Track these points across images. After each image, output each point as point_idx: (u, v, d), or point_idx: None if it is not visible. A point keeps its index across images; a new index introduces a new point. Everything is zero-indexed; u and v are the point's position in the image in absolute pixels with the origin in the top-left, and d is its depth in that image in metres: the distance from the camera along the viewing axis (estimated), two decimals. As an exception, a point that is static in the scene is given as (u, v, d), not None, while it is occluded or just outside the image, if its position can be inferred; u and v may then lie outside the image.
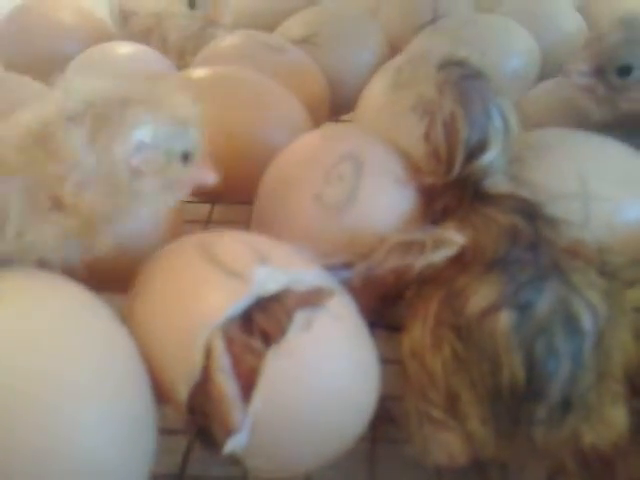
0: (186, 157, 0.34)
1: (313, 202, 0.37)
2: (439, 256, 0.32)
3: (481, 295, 0.29)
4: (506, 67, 0.58)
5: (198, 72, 0.53)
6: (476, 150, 0.35)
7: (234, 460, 0.29)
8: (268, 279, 0.29)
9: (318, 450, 0.30)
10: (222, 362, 0.28)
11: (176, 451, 0.34)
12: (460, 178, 0.36)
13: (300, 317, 0.28)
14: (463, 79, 0.36)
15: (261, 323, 0.29)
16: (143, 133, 0.32)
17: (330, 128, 0.48)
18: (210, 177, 0.35)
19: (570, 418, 0.28)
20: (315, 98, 0.57)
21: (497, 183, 0.36)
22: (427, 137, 0.37)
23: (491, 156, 0.35)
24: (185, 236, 0.34)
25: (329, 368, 0.29)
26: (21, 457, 0.25)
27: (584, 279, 0.30)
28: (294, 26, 0.66)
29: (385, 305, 0.41)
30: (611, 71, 0.44)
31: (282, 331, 0.28)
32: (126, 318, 0.32)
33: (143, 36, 0.69)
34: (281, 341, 0.28)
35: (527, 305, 0.28)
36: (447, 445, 0.30)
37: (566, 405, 0.28)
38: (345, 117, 0.65)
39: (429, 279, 0.33)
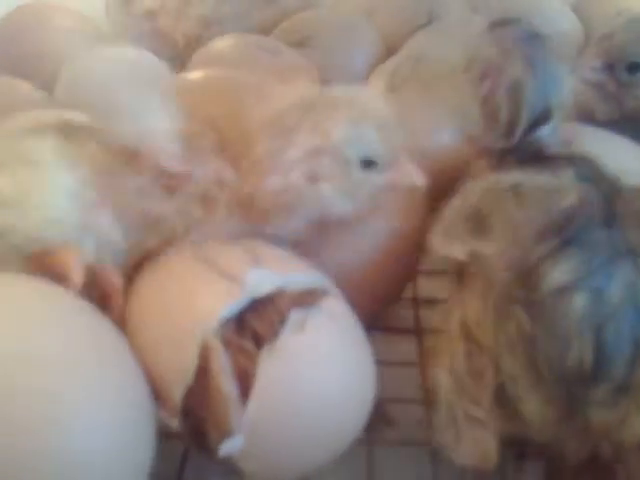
0: (368, 161, 0.34)
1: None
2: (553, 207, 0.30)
3: (557, 273, 0.28)
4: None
5: (194, 74, 0.53)
6: (540, 118, 0.35)
7: (229, 467, 0.29)
8: (262, 281, 0.29)
9: (313, 452, 0.30)
10: (222, 363, 0.28)
11: (173, 456, 0.34)
12: (520, 145, 0.35)
13: (294, 318, 0.28)
14: (526, 41, 0.35)
15: (253, 325, 0.29)
16: (316, 139, 0.33)
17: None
18: (416, 178, 0.36)
19: (625, 401, 0.28)
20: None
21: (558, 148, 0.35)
22: (486, 100, 0.36)
23: (554, 125, 0.35)
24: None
25: (323, 369, 0.29)
26: (20, 462, 0.25)
27: None
28: (290, 29, 0.66)
29: (382, 308, 0.41)
30: (621, 68, 0.45)
31: (274, 332, 0.28)
32: (126, 322, 0.32)
33: (146, 20, 0.69)
34: (274, 342, 0.28)
35: (600, 288, 0.28)
36: (482, 444, 0.30)
37: (624, 389, 0.28)
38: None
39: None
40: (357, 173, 0.34)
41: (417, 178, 0.35)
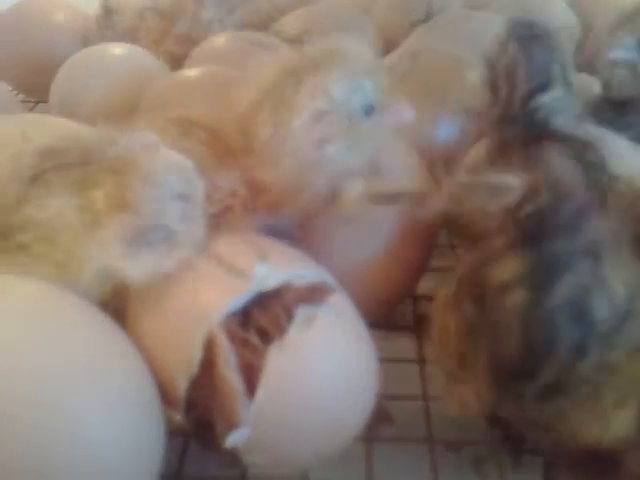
0: (369, 109, 0.34)
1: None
2: (496, 204, 0.31)
3: (506, 268, 0.29)
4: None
5: (190, 72, 0.53)
6: (537, 89, 0.35)
7: (231, 459, 0.29)
8: (268, 275, 0.29)
9: (318, 447, 0.30)
10: (228, 356, 0.28)
11: (173, 451, 0.34)
12: (522, 115, 0.36)
13: (302, 314, 0.28)
14: (525, 36, 0.36)
15: (259, 319, 0.29)
16: (319, 101, 0.33)
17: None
18: (406, 114, 0.36)
19: (560, 400, 0.28)
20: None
21: (562, 125, 0.35)
22: (488, 84, 0.37)
23: (552, 96, 0.35)
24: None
25: (330, 365, 0.29)
26: (27, 458, 0.25)
27: (620, 264, 0.29)
28: (287, 25, 0.66)
29: (386, 308, 0.41)
30: None
31: (281, 328, 0.28)
32: (126, 314, 0.32)
33: (128, 35, 0.68)
34: (283, 337, 0.28)
35: (543, 289, 0.28)
36: (460, 397, 0.31)
37: (554, 390, 0.28)
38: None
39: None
40: (361, 124, 0.34)
41: (407, 114, 0.36)
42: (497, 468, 0.34)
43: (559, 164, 0.32)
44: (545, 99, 0.35)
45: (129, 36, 0.67)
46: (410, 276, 0.40)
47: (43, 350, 0.26)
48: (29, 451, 0.25)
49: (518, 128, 0.36)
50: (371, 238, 0.37)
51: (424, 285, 0.44)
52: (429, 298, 0.42)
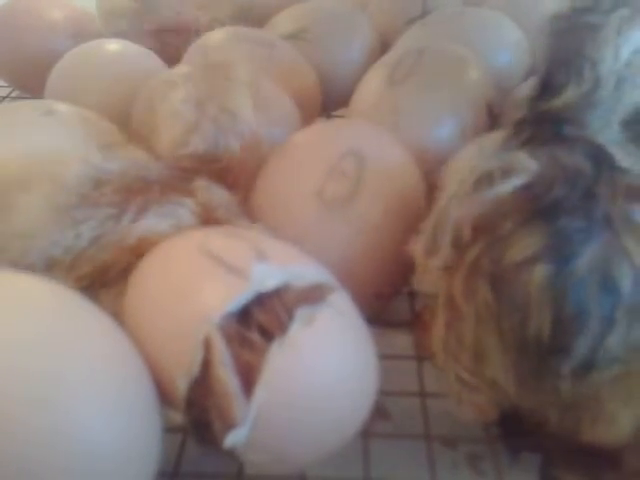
0: None
1: (314, 198, 0.37)
2: (508, 186, 0.30)
3: (522, 245, 0.28)
4: (495, 60, 0.58)
5: (186, 68, 0.53)
6: (556, 88, 0.34)
7: (230, 457, 0.29)
8: (267, 275, 0.29)
9: (317, 444, 0.30)
10: (223, 356, 0.28)
11: (170, 448, 0.34)
12: (539, 114, 0.35)
13: (302, 313, 0.28)
14: (557, 30, 0.35)
15: (260, 319, 0.29)
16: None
17: (329, 124, 0.48)
18: None
19: (594, 376, 0.28)
20: (306, 93, 0.57)
21: (577, 129, 0.34)
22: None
23: (570, 97, 0.34)
24: (182, 232, 0.34)
25: (331, 364, 0.29)
26: (23, 457, 0.25)
27: (635, 236, 0.28)
28: (283, 22, 0.66)
29: (381, 302, 0.41)
30: None
31: (282, 327, 0.28)
32: (123, 313, 0.32)
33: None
34: (284, 336, 0.28)
35: (566, 261, 0.27)
36: (476, 404, 0.31)
37: (590, 364, 0.28)
38: (338, 113, 0.64)
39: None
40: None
41: None
42: (494, 465, 0.34)
43: (569, 156, 0.32)
44: (561, 99, 0.34)
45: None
46: (401, 269, 0.40)
47: (40, 350, 0.26)
48: (26, 450, 0.25)
49: (536, 128, 0.34)
50: (359, 231, 0.37)
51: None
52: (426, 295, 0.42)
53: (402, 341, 0.41)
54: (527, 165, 0.30)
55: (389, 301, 0.42)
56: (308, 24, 0.64)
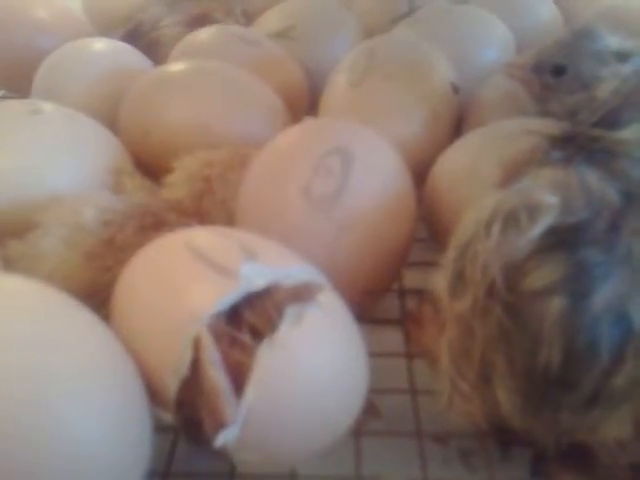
0: None
1: (301, 196, 0.37)
2: (537, 230, 0.29)
3: (540, 274, 0.28)
4: (482, 57, 0.58)
5: (175, 66, 0.53)
6: (620, 122, 0.35)
7: (221, 456, 0.29)
8: (255, 275, 0.29)
9: (308, 443, 0.30)
10: (212, 356, 0.28)
11: (161, 448, 0.34)
12: (590, 138, 0.35)
13: (291, 312, 0.28)
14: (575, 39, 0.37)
15: (250, 318, 0.29)
16: None
17: (315, 122, 0.48)
18: None
19: (595, 412, 0.28)
20: (292, 91, 0.57)
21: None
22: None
23: (632, 134, 0.34)
24: (170, 232, 0.33)
25: (321, 362, 0.29)
26: (13, 457, 0.25)
27: None
28: (270, 20, 0.66)
29: (370, 299, 0.41)
30: (546, 69, 0.44)
31: (272, 326, 0.28)
32: (112, 314, 0.32)
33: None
34: (273, 335, 0.28)
35: (582, 296, 0.27)
36: (469, 415, 0.31)
37: (594, 400, 0.28)
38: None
39: None
40: None
41: None
42: (485, 461, 0.34)
43: (599, 183, 0.30)
44: (616, 135, 0.34)
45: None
46: (390, 267, 0.41)
47: (29, 349, 0.26)
48: (15, 450, 0.25)
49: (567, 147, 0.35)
50: (347, 228, 0.37)
51: (410, 279, 0.44)
52: (415, 292, 0.42)
53: (392, 338, 0.41)
54: (551, 203, 0.29)
55: (378, 298, 0.42)
56: (294, 22, 0.64)
